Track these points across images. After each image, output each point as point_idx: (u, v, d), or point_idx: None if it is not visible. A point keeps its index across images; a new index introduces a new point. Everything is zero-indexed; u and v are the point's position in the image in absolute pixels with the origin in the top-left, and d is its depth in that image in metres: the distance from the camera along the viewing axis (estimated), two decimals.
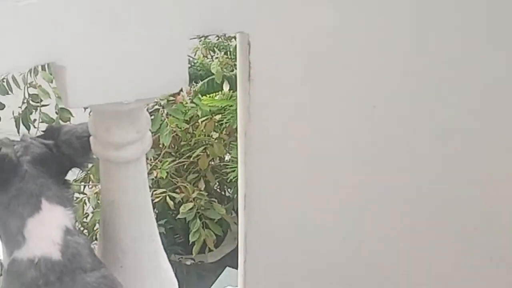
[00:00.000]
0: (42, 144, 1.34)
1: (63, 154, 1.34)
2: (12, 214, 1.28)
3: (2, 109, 3.11)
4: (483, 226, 1.47)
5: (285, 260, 1.50)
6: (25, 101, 3.17)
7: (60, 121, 3.14)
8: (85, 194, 3.21)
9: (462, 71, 1.32)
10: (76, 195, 3.22)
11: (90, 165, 1.42)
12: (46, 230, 1.28)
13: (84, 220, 3.24)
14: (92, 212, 3.14)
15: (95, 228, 3.09)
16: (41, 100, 3.16)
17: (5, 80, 3.09)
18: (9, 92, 3.10)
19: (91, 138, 1.33)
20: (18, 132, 3.20)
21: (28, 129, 3.17)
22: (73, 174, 3.44)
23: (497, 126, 1.38)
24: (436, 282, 1.55)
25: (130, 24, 1.17)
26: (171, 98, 3.19)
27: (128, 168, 1.34)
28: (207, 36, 3.36)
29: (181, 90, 3.39)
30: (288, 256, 1.50)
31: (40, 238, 1.27)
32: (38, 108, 3.17)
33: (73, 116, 3.14)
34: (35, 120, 3.18)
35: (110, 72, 1.20)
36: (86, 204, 3.18)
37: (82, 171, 3.04)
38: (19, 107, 3.18)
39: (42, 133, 1.42)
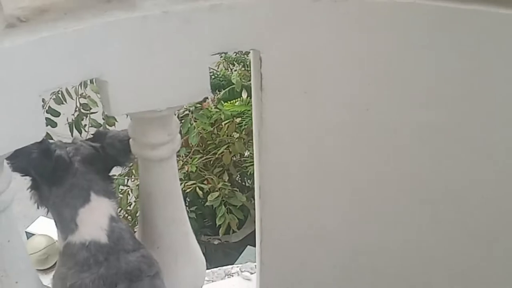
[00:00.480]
0: (90, 146, 1.35)
1: (107, 155, 1.35)
2: (66, 205, 1.29)
3: (58, 116, 3.12)
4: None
5: (296, 240, 1.51)
6: (77, 109, 3.20)
7: (107, 126, 3.16)
8: (129, 186, 3.24)
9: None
10: (121, 187, 3.25)
11: (130, 164, 1.41)
12: (95, 218, 1.29)
13: (128, 208, 3.27)
14: (134, 201, 3.17)
15: (137, 215, 3.11)
16: (90, 108, 3.19)
17: (60, 92, 3.12)
18: (64, 102, 3.12)
19: (130, 140, 1.34)
20: (72, 135, 3.23)
21: (80, 133, 3.19)
22: (117, 170, 3.48)
23: (483, 125, 1.36)
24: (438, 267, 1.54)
25: (161, 45, 1.18)
26: (198, 105, 3.21)
27: (161, 165, 1.35)
28: (227, 52, 3.38)
29: (206, 98, 3.41)
30: (297, 236, 1.51)
31: (90, 225, 1.28)
32: (88, 115, 3.19)
33: (117, 122, 3.16)
34: (85, 125, 3.20)
35: (145, 85, 1.21)
36: (129, 194, 3.21)
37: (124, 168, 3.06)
38: (72, 114, 3.21)
39: (91, 136, 1.43)
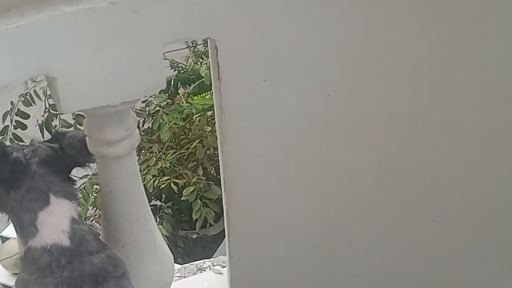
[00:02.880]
0: (48, 147, 1.29)
1: (66, 155, 1.29)
2: (25, 209, 1.22)
3: (27, 118, 3.06)
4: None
5: (263, 231, 1.46)
6: (47, 110, 3.12)
7: (77, 126, 3.09)
8: None
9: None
10: (95, 186, 3.18)
11: (91, 164, 1.36)
12: (56, 221, 1.23)
13: None
14: None
15: None
16: None
17: (28, 94, 3.04)
18: (33, 104, 3.05)
19: (86, 138, 1.28)
20: (43, 136, 3.15)
21: (51, 133, 3.12)
22: (91, 169, 3.41)
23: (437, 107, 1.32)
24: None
25: (110, 37, 1.12)
26: (169, 100, 3.15)
27: (120, 162, 1.29)
28: (196, 45, 3.32)
29: (177, 93, 3.35)
30: (265, 227, 1.46)
31: (51, 227, 1.22)
32: (58, 116, 3.12)
33: None
34: (56, 126, 3.13)
35: (96, 80, 1.14)
36: None
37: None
38: (41, 116, 3.14)
39: (50, 137, 1.37)
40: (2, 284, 2.96)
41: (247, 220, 1.43)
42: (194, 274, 1.79)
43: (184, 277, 1.78)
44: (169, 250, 1.47)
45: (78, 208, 1.29)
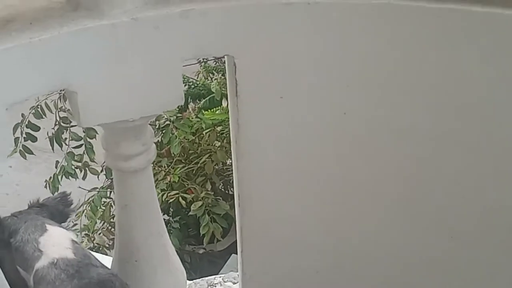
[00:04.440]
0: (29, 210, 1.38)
1: (47, 207, 1.37)
2: (26, 242, 1.28)
3: (38, 130, 3.06)
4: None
5: (277, 247, 1.45)
6: (57, 123, 3.13)
7: (87, 139, 3.10)
8: (111, 198, 3.17)
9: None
10: (104, 199, 3.18)
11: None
12: (57, 240, 1.29)
13: (112, 220, 3.20)
14: None
15: None
16: (70, 122, 3.12)
17: (39, 106, 3.05)
18: (43, 116, 3.06)
19: (104, 151, 1.29)
20: (53, 149, 3.16)
21: (61, 146, 3.13)
22: (100, 181, 3.40)
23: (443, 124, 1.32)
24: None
25: (131, 53, 1.13)
26: (179, 114, 3.16)
27: (136, 176, 1.29)
28: (207, 61, 3.34)
29: (187, 107, 3.36)
30: (279, 243, 1.45)
31: (54, 246, 1.27)
32: (68, 129, 3.13)
33: (98, 134, 3.10)
34: (66, 138, 3.14)
35: (116, 95, 1.15)
36: (112, 206, 3.14)
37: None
38: (52, 128, 3.14)
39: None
40: None
41: (261, 237, 1.43)
42: None
43: None
44: (182, 265, 1.47)
45: (75, 236, 1.35)
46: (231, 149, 1.43)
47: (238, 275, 1.80)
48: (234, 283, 1.77)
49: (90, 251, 1.37)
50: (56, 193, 1.47)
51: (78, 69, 1.11)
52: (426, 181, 1.34)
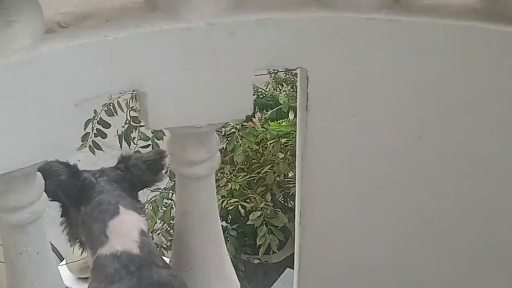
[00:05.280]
0: (114, 168, 1.32)
1: (132, 174, 1.30)
2: (95, 219, 1.24)
3: (109, 127, 3.10)
4: None
5: (336, 269, 1.39)
6: (127, 122, 3.16)
7: (155, 139, 3.11)
8: (173, 200, 3.17)
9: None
10: (165, 200, 3.18)
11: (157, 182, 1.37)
12: (126, 229, 1.23)
13: (171, 221, 3.20)
14: None
15: None
16: (140, 122, 3.15)
17: (111, 104, 3.09)
18: (114, 114, 3.10)
19: (168, 156, 1.26)
20: (121, 146, 3.19)
21: (129, 145, 3.15)
22: (163, 183, 3.42)
23: None
24: None
25: (205, 58, 1.10)
26: (245, 123, 3.13)
27: (199, 183, 1.26)
28: (277, 72, 3.30)
29: (253, 116, 3.34)
30: (338, 265, 1.38)
31: (121, 236, 1.22)
32: (137, 128, 3.15)
33: (165, 136, 3.12)
34: (134, 138, 3.17)
35: (186, 100, 1.13)
36: (173, 208, 3.14)
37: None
38: (122, 126, 3.18)
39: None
40: (67, 287, 2.99)
41: (320, 257, 1.36)
42: None
43: None
44: (236, 278, 1.43)
45: (147, 223, 1.29)
46: (296, 164, 1.38)
47: None
48: None
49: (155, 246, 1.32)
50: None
51: (150, 70, 1.09)
52: (501, 213, 1.24)
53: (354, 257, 1.35)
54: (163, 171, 1.31)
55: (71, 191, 1.25)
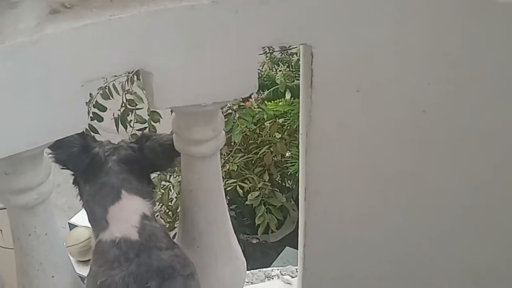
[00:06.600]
0: (128, 147, 1.30)
1: (145, 157, 1.28)
2: (97, 203, 1.23)
3: (105, 111, 3.10)
4: None
5: (341, 246, 1.40)
6: (123, 105, 3.16)
7: (152, 122, 3.12)
8: (170, 182, 3.18)
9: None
10: (163, 182, 3.19)
11: (170, 169, 1.35)
12: (125, 216, 1.22)
13: (169, 203, 3.22)
14: (176, 197, 3.12)
15: (178, 211, 3.06)
16: (136, 104, 3.15)
17: (107, 87, 3.09)
18: (110, 97, 3.10)
19: (174, 135, 1.26)
20: (117, 130, 3.19)
21: (125, 128, 3.16)
22: None
23: None
24: None
25: (209, 36, 1.10)
26: (242, 103, 3.13)
27: (204, 162, 1.26)
28: (272, 52, 3.29)
29: (250, 97, 3.33)
30: (343, 242, 1.40)
31: (120, 222, 1.22)
32: (134, 111, 3.15)
33: (162, 118, 3.11)
34: (131, 120, 3.17)
35: (191, 78, 1.12)
36: (171, 190, 3.15)
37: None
38: (118, 110, 3.17)
39: (137, 137, 1.37)
40: None
41: (325, 233, 1.37)
42: (262, 281, 1.75)
43: (251, 283, 1.74)
44: (242, 255, 1.44)
45: (151, 206, 1.27)
46: (299, 141, 1.38)
47: (296, 269, 1.76)
48: (292, 277, 1.73)
49: (161, 224, 1.29)
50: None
51: (155, 50, 1.08)
52: (508, 188, 1.25)
53: (357, 232, 1.37)
54: (179, 158, 1.28)
55: (80, 165, 1.24)
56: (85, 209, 1.27)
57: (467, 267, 1.39)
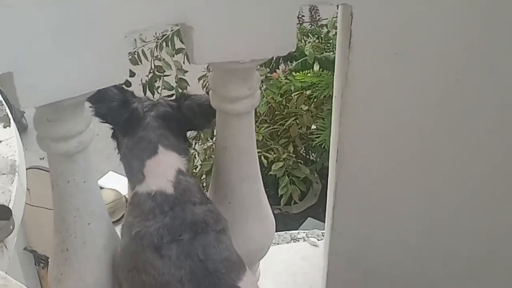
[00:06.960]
0: (167, 104, 1.33)
1: (183, 115, 1.32)
2: (134, 156, 1.27)
3: (133, 76, 3.10)
4: None
5: (369, 209, 1.42)
6: (151, 71, 3.19)
7: (179, 89, 3.14)
8: (195, 149, 3.21)
9: None
10: None
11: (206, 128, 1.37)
12: (161, 170, 1.26)
13: (194, 171, 3.25)
14: (200, 165, 3.14)
15: (202, 178, 3.10)
16: (164, 71, 3.17)
17: (136, 53, 3.11)
18: (139, 63, 3.12)
19: (210, 92, 1.28)
20: (145, 95, 3.21)
21: (153, 94, 3.19)
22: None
23: None
24: None
25: None
26: (269, 74, 3.14)
27: (240, 120, 1.28)
28: (302, 23, 3.28)
29: (278, 67, 3.33)
30: (372, 205, 1.41)
31: (156, 176, 1.25)
32: (162, 78, 3.18)
33: (189, 85, 3.13)
34: (158, 87, 3.19)
35: (230, 35, 1.13)
36: (196, 158, 3.18)
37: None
38: (146, 76, 3.20)
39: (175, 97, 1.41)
40: None
41: (356, 195, 1.39)
42: (287, 242, 1.78)
43: (278, 243, 1.77)
44: (272, 215, 1.46)
45: (186, 163, 1.31)
46: (333, 103, 1.39)
47: (322, 233, 1.78)
48: (318, 240, 1.75)
49: (196, 181, 1.32)
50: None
51: (196, 4, 1.09)
52: None
53: (386, 196, 1.38)
54: (215, 119, 1.30)
55: (119, 119, 1.29)
56: (122, 162, 1.31)
57: (492, 237, 1.40)
